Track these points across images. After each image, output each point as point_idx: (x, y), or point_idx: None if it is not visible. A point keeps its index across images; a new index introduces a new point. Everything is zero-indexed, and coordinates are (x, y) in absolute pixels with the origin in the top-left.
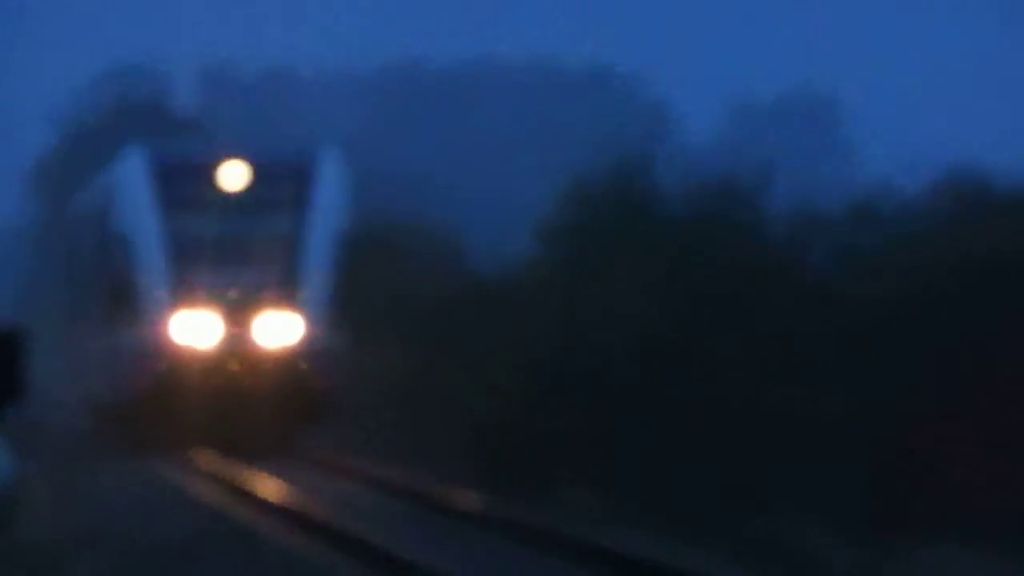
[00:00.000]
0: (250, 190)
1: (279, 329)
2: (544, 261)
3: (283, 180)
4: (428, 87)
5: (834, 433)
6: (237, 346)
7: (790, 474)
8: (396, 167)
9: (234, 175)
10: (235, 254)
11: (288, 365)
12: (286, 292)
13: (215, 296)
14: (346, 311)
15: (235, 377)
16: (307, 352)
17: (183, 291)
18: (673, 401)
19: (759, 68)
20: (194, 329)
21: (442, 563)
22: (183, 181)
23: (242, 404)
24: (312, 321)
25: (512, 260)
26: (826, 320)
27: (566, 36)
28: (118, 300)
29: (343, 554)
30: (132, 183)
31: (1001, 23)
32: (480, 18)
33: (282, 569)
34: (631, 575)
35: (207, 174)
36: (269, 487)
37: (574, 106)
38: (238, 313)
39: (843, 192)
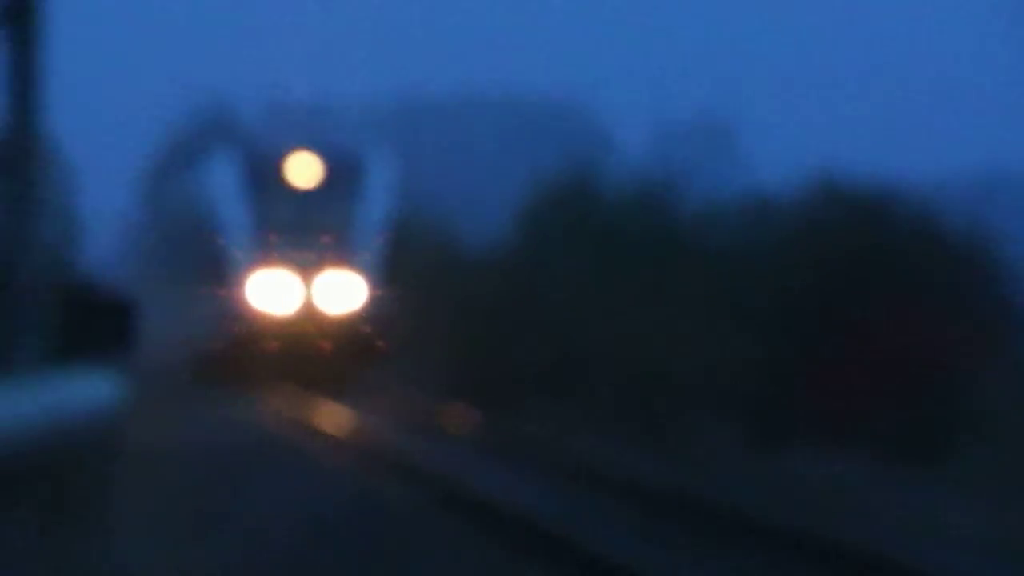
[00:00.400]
0: (317, 178)
1: (342, 292)
2: (513, 246)
3: (344, 169)
4: (424, 116)
5: (744, 366)
6: (308, 306)
7: (708, 396)
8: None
9: (304, 166)
10: (306, 230)
11: (349, 321)
12: (347, 262)
13: (290, 264)
14: (394, 279)
15: (306, 330)
16: (365, 310)
17: (264, 261)
18: (613, 348)
19: (681, 93)
20: (272, 292)
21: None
22: (262, 172)
23: (311, 353)
24: (368, 285)
25: (489, 245)
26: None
27: (527, 71)
28: (211, 269)
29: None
30: (222, 174)
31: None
32: (460, 56)
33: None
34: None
35: (282, 165)
36: (320, 415)
37: (533, 130)
38: (308, 278)
39: (741, 196)
